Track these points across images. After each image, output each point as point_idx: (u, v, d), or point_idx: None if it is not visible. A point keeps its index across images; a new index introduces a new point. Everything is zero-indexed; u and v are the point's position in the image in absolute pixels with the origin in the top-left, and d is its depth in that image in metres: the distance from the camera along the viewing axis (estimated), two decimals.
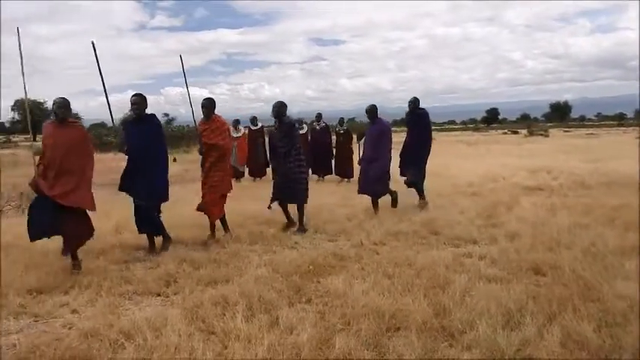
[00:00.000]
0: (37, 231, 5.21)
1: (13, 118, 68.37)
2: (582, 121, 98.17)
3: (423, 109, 9.35)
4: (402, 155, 9.34)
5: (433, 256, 5.62)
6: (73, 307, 4.41)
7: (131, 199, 6.13)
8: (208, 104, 6.77)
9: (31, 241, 5.32)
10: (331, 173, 14.06)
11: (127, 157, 6.06)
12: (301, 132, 14.44)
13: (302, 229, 7.30)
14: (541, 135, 43.34)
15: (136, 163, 5.94)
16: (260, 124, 14.89)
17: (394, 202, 8.70)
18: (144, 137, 5.94)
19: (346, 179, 13.59)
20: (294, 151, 7.27)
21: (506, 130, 56.98)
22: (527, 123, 74.08)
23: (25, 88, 5.11)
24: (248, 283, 4.70)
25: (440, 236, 6.78)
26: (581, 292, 4.26)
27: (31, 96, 41.98)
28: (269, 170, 14.40)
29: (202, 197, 6.80)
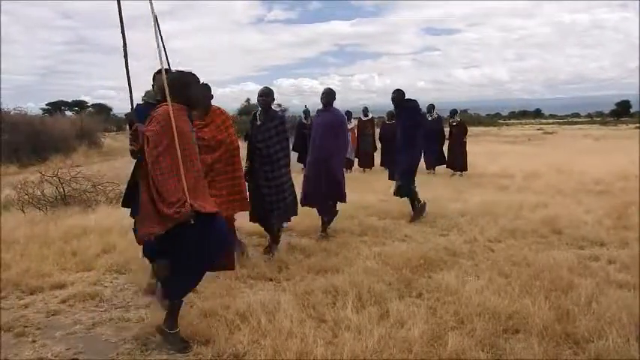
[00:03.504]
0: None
1: None
2: None
3: (413, 100, 7.88)
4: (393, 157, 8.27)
5: (555, 256, 5.27)
6: None
7: None
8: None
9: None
10: (443, 165, 13.71)
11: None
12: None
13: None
14: None
15: None
16: (370, 115, 14.93)
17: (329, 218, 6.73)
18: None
19: (459, 173, 13.19)
20: (281, 153, 5.69)
21: (638, 124, 51.89)
22: None
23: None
24: (358, 273, 4.70)
25: (562, 236, 6.35)
26: None
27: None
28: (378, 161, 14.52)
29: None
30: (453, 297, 4.17)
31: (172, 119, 3.29)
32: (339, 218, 7.04)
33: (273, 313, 3.84)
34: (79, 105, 55.77)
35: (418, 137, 7.76)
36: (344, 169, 13.92)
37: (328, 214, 6.60)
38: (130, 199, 4.20)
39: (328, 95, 6.63)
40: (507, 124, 63.50)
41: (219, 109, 5.05)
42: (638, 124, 51.54)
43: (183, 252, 3.38)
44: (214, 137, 4.81)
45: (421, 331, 3.44)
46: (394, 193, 7.73)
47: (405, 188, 7.58)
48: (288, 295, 4.31)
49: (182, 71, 3.64)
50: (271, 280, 4.87)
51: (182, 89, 3.50)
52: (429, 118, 14.17)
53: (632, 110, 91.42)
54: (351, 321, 3.67)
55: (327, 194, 6.49)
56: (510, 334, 3.54)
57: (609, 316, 3.64)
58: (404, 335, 3.43)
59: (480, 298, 4.05)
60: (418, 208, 7.56)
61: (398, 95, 7.72)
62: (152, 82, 4.46)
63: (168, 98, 3.34)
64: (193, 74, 3.64)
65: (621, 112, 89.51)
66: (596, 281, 4.47)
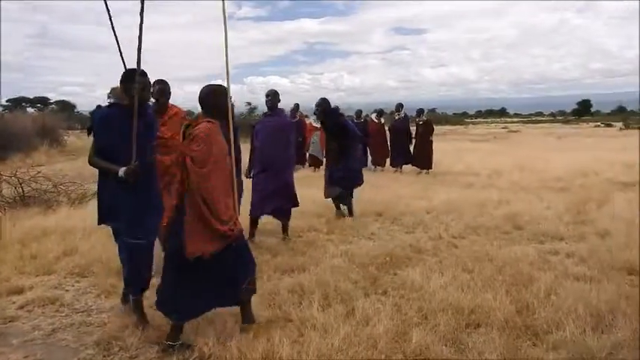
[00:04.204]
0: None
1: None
2: None
3: (335, 111, 7.65)
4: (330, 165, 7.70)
5: (516, 251, 5.41)
6: None
7: None
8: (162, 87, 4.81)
9: None
10: (410, 164, 13.86)
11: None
12: (380, 122, 14.38)
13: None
14: (638, 128, 40.30)
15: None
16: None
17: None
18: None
19: (425, 171, 13.35)
20: None
21: (598, 123, 53.51)
22: (622, 116, 69.18)
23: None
24: (324, 272, 4.72)
25: (524, 232, 6.51)
26: None
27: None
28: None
29: None
30: (417, 293, 4.23)
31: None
32: (306, 217, 7.07)
33: (239, 315, 3.82)
34: (42, 102, 54.30)
35: (351, 147, 7.50)
36: (313, 168, 13.93)
37: (285, 218, 6.29)
38: (105, 214, 3.77)
39: (274, 97, 6.20)
40: (474, 123, 64.67)
41: (176, 107, 4.91)
42: (598, 123, 53.10)
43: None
44: (172, 137, 4.49)
45: (386, 328, 3.49)
46: (333, 200, 7.60)
47: (342, 197, 7.48)
48: (254, 296, 4.29)
49: (212, 85, 3.64)
50: None
51: (215, 103, 3.53)
52: (396, 117, 14.36)
53: (592, 109, 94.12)
54: (317, 320, 3.67)
55: (279, 202, 6.13)
56: (473, 328, 3.62)
57: (567, 308, 3.76)
58: (369, 332, 3.46)
59: (443, 293, 4.12)
60: (339, 213, 7.48)
61: (323, 105, 7.34)
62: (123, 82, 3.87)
63: (231, 119, 3.63)
64: (221, 86, 3.65)
65: (582, 111, 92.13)
66: (555, 275, 4.61)
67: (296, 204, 6.28)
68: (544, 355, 3.15)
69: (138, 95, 3.49)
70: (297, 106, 14.46)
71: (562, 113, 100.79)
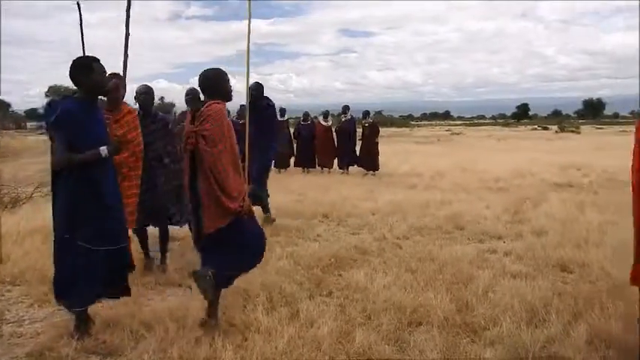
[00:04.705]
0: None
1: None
2: (616, 119, 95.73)
3: (267, 99, 7.20)
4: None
5: (457, 251, 5.56)
6: None
7: None
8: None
9: None
10: (355, 165, 14.02)
11: None
12: (327, 124, 14.48)
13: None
14: (572, 132, 42.38)
15: None
16: (287, 116, 15.01)
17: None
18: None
19: (371, 172, 13.53)
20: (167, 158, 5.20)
21: (536, 126, 55.92)
22: (558, 119, 72.59)
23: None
24: (269, 274, 4.70)
25: (464, 231, 6.70)
26: (610, 290, 4.14)
27: (65, 83, 42.90)
28: (292, 161, 14.58)
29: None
30: (361, 294, 4.27)
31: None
32: None
33: (182, 320, 3.74)
34: None
35: (270, 141, 7.05)
36: None
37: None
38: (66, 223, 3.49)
39: (194, 98, 5.69)
40: (419, 125, 66.13)
41: (127, 105, 4.73)
42: (536, 126, 55.38)
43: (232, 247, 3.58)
44: (125, 135, 4.37)
45: (330, 329, 3.50)
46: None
47: (257, 195, 6.89)
48: (197, 301, 4.21)
49: (216, 68, 3.67)
50: (180, 285, 4.74)
51: (221, 85, 3.60)
52: (343, 119, 14.49)
53: (530, 113, 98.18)
54: (261, 323, 3.65)
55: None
56: (414, 326, 3.69)
57: (503, 305, 3.90)
58: (313, 334, 3.47)
59: (387, 293, 4.18)
60: (266, 218, 6.96)
61: (258, 90, 6.90)
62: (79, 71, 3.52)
63: (248, 105, 4.21)
64: (221, 70, 3.67)
65: (521, 114, 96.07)
66: (493, 273, 4.76)
67: None
68: (481, 351, 3.24)
69: (101, 83, 3.45)
70: (244, 107, 14.35)
71: (502, 116, 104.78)
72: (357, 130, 14.48)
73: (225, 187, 3.44)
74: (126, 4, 3.32)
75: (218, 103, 3.52)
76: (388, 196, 9.07)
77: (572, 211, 7.58)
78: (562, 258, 5.17)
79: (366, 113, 14.80)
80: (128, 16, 3.34)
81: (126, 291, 3.81)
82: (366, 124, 14.29)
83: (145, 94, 5.23)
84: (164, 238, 5.30)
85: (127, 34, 3.32)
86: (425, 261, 5.19)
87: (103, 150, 3.39)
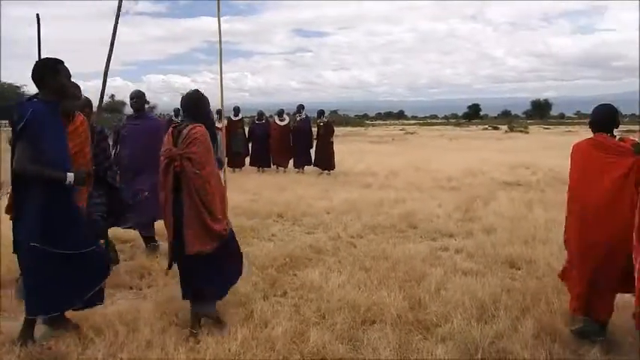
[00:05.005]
0: None
1: None
2: (562, 119, 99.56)
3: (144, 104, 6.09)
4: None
5: (410, 249, 5.64)
6: None
7: None
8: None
9: None
10: (311, 165, 14.02)
11: None
12: (283, 123, 14.42)
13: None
14: (521, 131, 43.74)
15: None
16: (241, 115, 14.84)
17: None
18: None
19: (326, 171, 13.57)
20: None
21: (487, 126, 57.43)
22: (507, 119, 74.83)
23: None
24: None
25: (418, 230, 6.80)
26: (555, 285, 4.29)
27: (9, 80, 41.18)
28: (247, 160, 14.43)
29: None
30: (316, 293, 4.29)
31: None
32: None
33: (133, 324, 3.65)
34: None
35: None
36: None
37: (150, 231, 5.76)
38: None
39: (140, 99, 5.67)
40: (374, 125, 66.75)
41: (80, 114, 4.19)
42: (486, 126, 56.90)
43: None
44: (72, 148, 3.80)
45: (284, 329, 3.50)
46: None
47: None
48: (149, 304, 4.13)
49: (196, 92, 3.75)
50: (132, 288, 4.64)
51: (204, 108, 3.71)
52: (298, 118, 14.46)
53: (481, 113, 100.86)
54: (215, 325, 3.61)
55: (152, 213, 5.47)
56: (368, 325, 3.72)
57: (455, 302, 3.99)
58: (267, 335, 3.46)
59: (341, 292, 4.21)
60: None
61: (139, 100, 5.83)
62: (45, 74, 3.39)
63: (224, 120, 3.79)
64: (203, 94, 3.75)
65: (473, 114, 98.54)
66: (445, 270, 4.87)
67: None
68: (433, 347, 3.30)
69: (66, 86, 3.41)
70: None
71: (455, 116, 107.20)
72: (312, 129, 14.49)
73: (213, 210, 3.51)
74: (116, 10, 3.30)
75: (200, 126, 3.55)
76: (343, 195, 9.12)
77: (521, 209, 7.83)
78: (510, 255, 5.33)
79: (321, 112, 14.83)
80: (116, 23, 3.27)
81: (100, 296, 3.68)
82: (321, 124, 14.32)
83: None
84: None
85: (112, 42, 3.29)
86: (379, 259, 5.25)
87: (70, 176, 3.28)
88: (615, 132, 3.57)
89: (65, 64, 3.41)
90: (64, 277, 3.38)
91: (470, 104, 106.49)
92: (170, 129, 3.67)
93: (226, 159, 14.69)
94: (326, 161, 13.69)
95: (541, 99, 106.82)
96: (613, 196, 3.29)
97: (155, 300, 4.20)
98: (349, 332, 3.55)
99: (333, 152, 13.75)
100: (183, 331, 3.57)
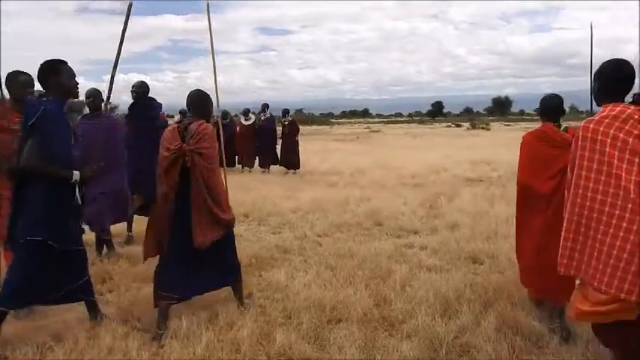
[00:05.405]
0: None
1: None
2: (522, 115, 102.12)
3: (151, 98, 6.32)
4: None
5: (375, 247, 5.68)
6: None
7: None
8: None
9: None
10: (276, 164, 13.98)
11: None
12: (248, 123, 14.32)
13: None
14: (483, 128, 44.63)
15: None
16: None
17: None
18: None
19: (292, 171, 13.55)
20: None
21: (450, 123, 58.40)
22: (470, 116, 76.30)
23: None
24: None
25: (383, 227, 6.85)
26: (516, 279, 4.38)
27: None
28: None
29: None
30: (282, 293, 4.27)
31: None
32: None
33: (94, 330, 3.57)
34: None
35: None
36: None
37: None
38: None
39: (96, 98, 5.52)
40: (339, 123, 67.04)
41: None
42: (449, 124, 57.83)
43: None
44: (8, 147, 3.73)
45: (250, 331, 3.47)
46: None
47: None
48: (111, 308, 4.04)
49: (201, 90, 3.90)
50: None
51: (209, 105, 3.89)
52: (262, 117, 14.38)
53: (444, 111, 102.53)
54: (179, 328, 3.55)
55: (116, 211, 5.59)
56: (334, 323, 3.73)
57: (419, 298, 4.04)
58: (233, 336, 3.42)
59: (307, 292, 4.20)
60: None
61: (143, 88, 6.08)
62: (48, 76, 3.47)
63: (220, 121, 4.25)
64: (206, 93, 3.91)
65: (436, 112, 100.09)
66: (410, 267, 4.92)
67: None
68: (398, 344, 3.33)
69: (71, 85, 3.51)
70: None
71: (418, 114, 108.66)
72: (277, 128, 14.43)
73: (220, 202, 3.72)
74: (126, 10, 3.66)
75: (207, 123, 3.76)
76: (309, 194, 9.11)
77: (483, 205, 7.97)
78: (473, 250, 5.42)
79: (286, 111, 14.78)
80: (126, 24, 3.66)
81: (88, 288, 3.74)
82: (286, 123, 14.29)
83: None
84: None
85: (122, 41, 3.53)
86: (345, 258, 5.27)
87: (76, 174, 3.42)
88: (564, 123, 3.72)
89: (67, 64, 3.52)
90: (51, 272, 3.45)
91: (433, 102, 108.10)
92: (174, 126, 3.80)
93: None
94: (291, 160, 13.66)
95: (502, 96, 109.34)
96: (554, 188, 3.43)
97: (117, 305, 4.11)
98: (315, 331, 3.54)
99: (299, 151, 13.74)
100: (146, 336, 3.51)
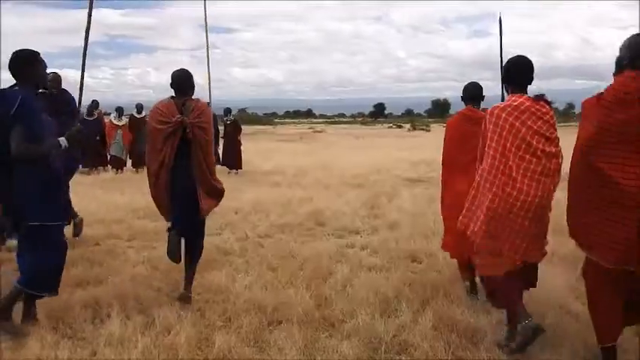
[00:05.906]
0: None
1: None
2: None
3: (65, 90, 5.68)
4: None
5: (317, 247, 5.70)
6: None
7: None
8: None
9: None
10: (218, 164, 13.76)
11: None
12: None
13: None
14: (423, 129, 45.74)
15: None
16: (144, 113, 14.26)
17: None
18: None
19: (234, 171, 13.38)
20: None
21: (391, 124, 59.47)
22: (410, 118, 77.98)
23: None
24: (124, 282, 4.43)
25: (325, 227, 6.88)
26: (453, 276, 4.52)
27: None
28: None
29: None
30: (222, 296, 4.20)
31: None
32: (106, 223, 6.61)
33: (20, 339, 3.38)
34: None
35: None
36: (116, 170, 13.07)
37: None
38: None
39: (56, 82, 5.48)
40: (282, 123, 66.94)
41: None
42: (391, 125, 58.90)
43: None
44: None
45: (188, 335, 3.39)
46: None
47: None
48: (40, 315, 3.84)
49: (185, 69, 4.13)
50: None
51: (192, 83, 4.13)
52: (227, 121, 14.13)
53: (386, 112, 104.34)
54: (113, 335, 3.42)
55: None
56: (275, 325, 3.70)
57: (360, 298, 4.08)
58: (170, 342, 3.33)
59: (248, 294, 4.16)
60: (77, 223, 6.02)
61: (57, 81, 5.61)
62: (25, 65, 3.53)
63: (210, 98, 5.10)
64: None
65: (378, 113, 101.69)
66: (351, 267, 4.96)
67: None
68: (338, 344, 3.34)
69: (45, 76, 3.71)
70: (96, 103, 13.34)
71: (361, 115, 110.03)
72: (220, 128, 14.21)
73: (213, 172, 4.17)
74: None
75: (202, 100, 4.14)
76: (251, 194, 9.02)
77: (422, 205, 8.15)
78: (412, 249, 5.53)
79: (228, 111, 14.59)
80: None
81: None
82: (228, 122, 14.11)
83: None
84: None
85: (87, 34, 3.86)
86: (286, 258, 5.26)
87: (63, 141, 3.54)
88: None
89: (40, 55, 3.61)
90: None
91: (375, 103, 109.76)
92: (172, 101, 3.99)
93: (130, 160, 14.02)
94: (233, 160, 13.49)
95: (441, 98, 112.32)
96: (474, 157, 3.62)
97: (48, 310, 3.91)
98: (255, 334, 3.51)
99: (241, 151, 13.60)
100: (79, 343, 3.36)
